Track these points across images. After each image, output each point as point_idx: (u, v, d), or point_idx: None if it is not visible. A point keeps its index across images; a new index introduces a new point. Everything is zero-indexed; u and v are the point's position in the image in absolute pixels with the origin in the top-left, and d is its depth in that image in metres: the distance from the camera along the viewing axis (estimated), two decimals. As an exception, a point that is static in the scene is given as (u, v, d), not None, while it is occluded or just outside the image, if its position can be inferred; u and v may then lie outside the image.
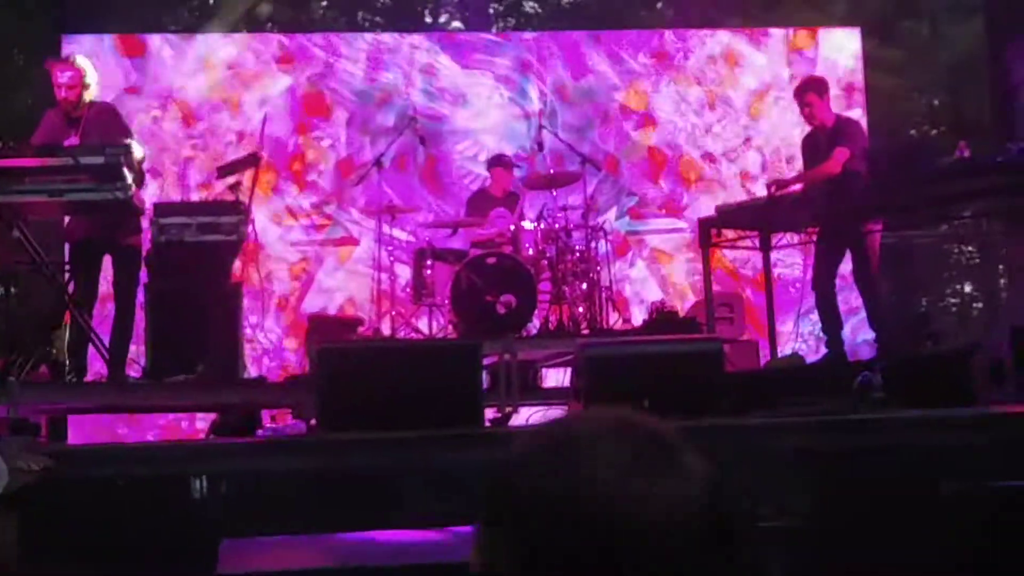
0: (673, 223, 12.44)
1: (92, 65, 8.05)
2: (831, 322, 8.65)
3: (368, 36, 12.55)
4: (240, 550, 4.69)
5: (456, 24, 17.48)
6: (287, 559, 4.79)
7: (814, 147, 8.66)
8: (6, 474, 2.08)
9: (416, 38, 12.60)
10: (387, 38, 12.52)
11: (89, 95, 7.87)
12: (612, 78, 12.62)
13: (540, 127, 10.83)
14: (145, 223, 7.87)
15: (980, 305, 13.68)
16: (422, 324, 9.75)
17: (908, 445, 5.37)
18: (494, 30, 14.89)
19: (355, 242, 11.95)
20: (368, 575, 4.46)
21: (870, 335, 8.83)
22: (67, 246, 8.29)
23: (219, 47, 12.16)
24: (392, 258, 10.04)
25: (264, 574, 4.37)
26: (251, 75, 12.05)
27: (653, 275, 12.27)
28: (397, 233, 10.22)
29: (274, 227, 11.78)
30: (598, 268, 9.64)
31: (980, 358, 6.19)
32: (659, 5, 16.44)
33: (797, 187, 8.64)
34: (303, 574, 4.42)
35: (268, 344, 10.98)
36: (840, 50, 12.74)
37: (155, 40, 12.06)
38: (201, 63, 12.09)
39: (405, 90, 12.21)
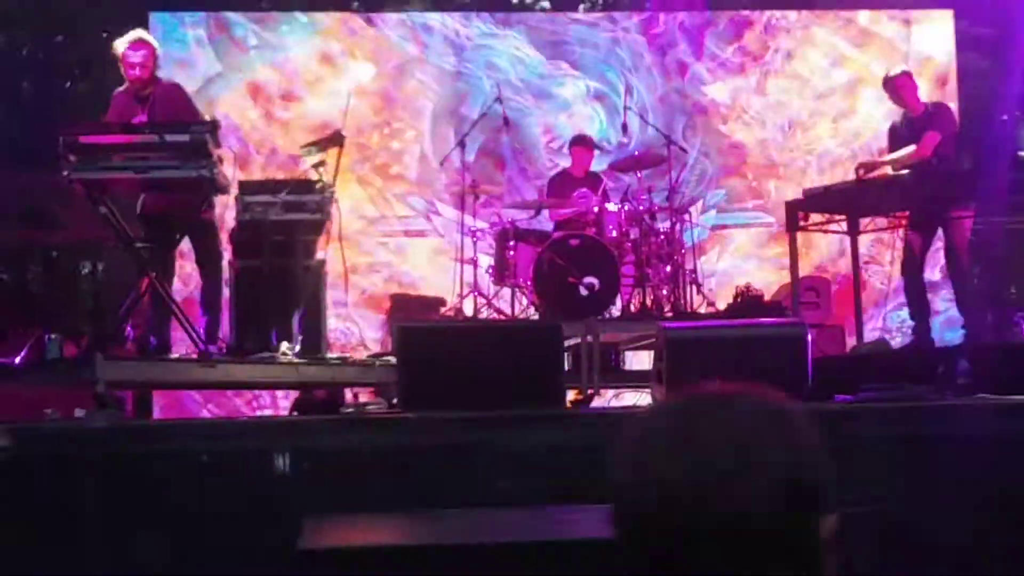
0: (760, 217, 12.31)
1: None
2: (919, 308, 8.55)
3: (455, 27, 12.46)
4: (323, 526, 4.71)
5: (543, 3, 17.43)
6: (369, 535, 4.81)
7: (901, 132, 8.56)
8: None
9: (503, 30, 12.51)
10: (472, 31, 12.45)
11: (157, 74, 7.95)
12: (700, 71, 12.50)
13: (625, 108, 10.77)
14: (224, 198, 7.89)
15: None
16: (504, 305, 9.75)
17: (995, 432, 5.28)
18: (581, 9, 14.83)
19: (438, 235, 11.94)
20: (447, 554, 4.45)
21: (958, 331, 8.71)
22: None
23: (305, 35, 12.19)
24: (475, 247, 10.03)
25: (347, 550, 4.38)
26: (337, 64, 12.06)
27: (738, 270, 12.13)
28: (480, 223, 10.20)
29: (358, 220, 11.78)
30: (682, 251, 9.58)
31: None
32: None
33: (886, 170, 8.53)
34: (385, 551, 4.42)
35: (347, 329, 11.00)
36: (933, 43, 12.51)
37: (239, 27, 12.10)
38: (286, 51, 12.13)
39: (490, 81, 12.10)
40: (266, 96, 12.02)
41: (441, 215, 11.88)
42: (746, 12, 12.80)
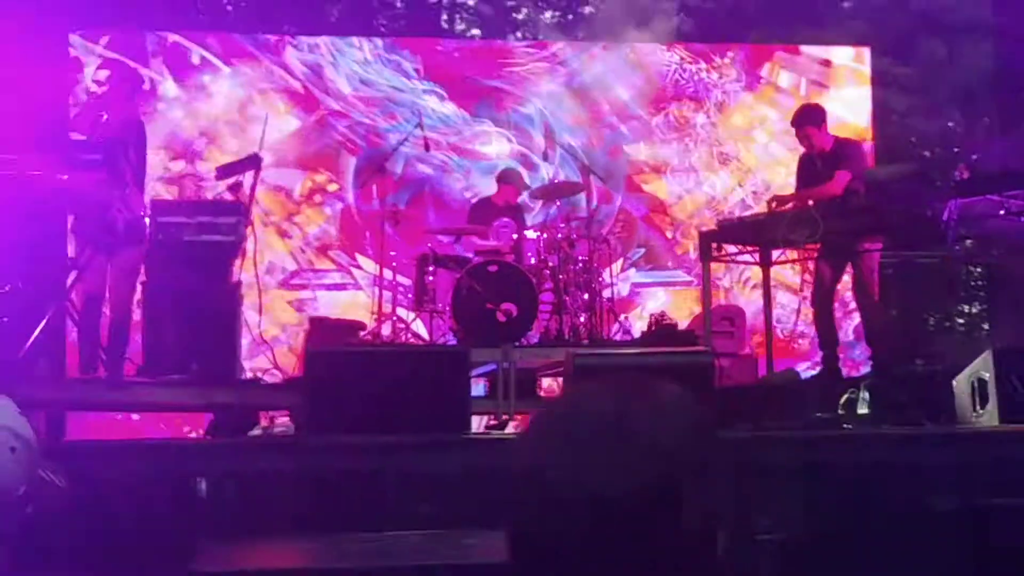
0: (680, 276, 12.33)
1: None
2: (827, 338, 8.69)
3: (380, 80, 12.32)
4: (218, 549, 4.70)
5: (475, 32, 17.52)
6: (264, 559, 4.81)
7: (811, 168, 8.69)
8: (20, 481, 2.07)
9: (428, 85, 12.38)
10: (397, 84, 12.29)
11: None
12: (623, 131, 12.48)
13: (546, 136, 10.83)
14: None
15: (987, 327, 13.60)
16: (423, 330, 9.77)
17: (889, 460, 5.38)
18: (511, 39, 14.89)
19: (357, 287, 11.87)
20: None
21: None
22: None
23: (226, 87, 12.07)
24: (394, 272, 10.05)
25: (238, 573, 4.38)
26: (259, 116, 11.68)
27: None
28: (402, 279, 10.21)
29: (277, 272, 11.72)
30: (600, 279, 9.65)
31: (963, 379, 6.22)
32: (676, 19, 16.48)
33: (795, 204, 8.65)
34: (277, 574, 4.43)
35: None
36: (849, 105, 12.57)
37: (156, 75, 11.96)
38: (206, 102, 12.04)
39: (414, 138, 11.06)
40: (183, 149, 11.88)
41: (362, 268, 11.79)
42: (674, 80, 12.73)
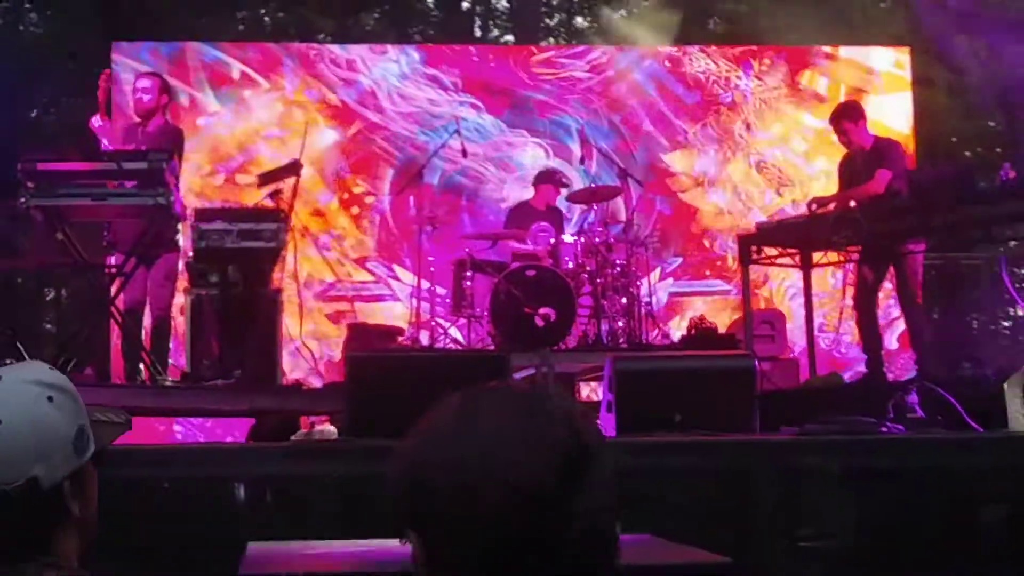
0: (719, 285, 12.29)
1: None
2: (871, 341, 8.63)
3: (416, 95, 12.30)
4: (265, 553, 4.71)
5: (507, 38, 17.59)
6: (309, 563, 4.81)
7: (851, 168, 8.64)
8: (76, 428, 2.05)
9: (464, 96, 12.39)
10: (433, 95, 12.29)
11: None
12: (658, 137, 12.47)
13: (583, 142, 10.80)
14: (183, 238, 7.98)
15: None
16: (460, 335, 9.76)
17: (938, 466, 5.33)
18: (544, 44, 14.92)
19: (395, 298, 11.88)
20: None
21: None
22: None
23: (266, 101, 12.14)
24: (432, 278, 10.07)
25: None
26: (298, 129, 11.42)
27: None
28: (440, 289, 10.23)
29: (315, 284, 11.75)
30: (638, 283, 9.62)
31: (1014, 382, 6.14)
32: (711, 23, 16.50)
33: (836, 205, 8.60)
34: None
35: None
36: (891, 111, 12.47)
37: (199, 90, 12.04)
38: (249, 116, 12.10)
39: (450, 149, 11.17)
40: (223, 162, 11.92)
41: (400, 280, 11.79)
42: (711, 87, 12.67)
